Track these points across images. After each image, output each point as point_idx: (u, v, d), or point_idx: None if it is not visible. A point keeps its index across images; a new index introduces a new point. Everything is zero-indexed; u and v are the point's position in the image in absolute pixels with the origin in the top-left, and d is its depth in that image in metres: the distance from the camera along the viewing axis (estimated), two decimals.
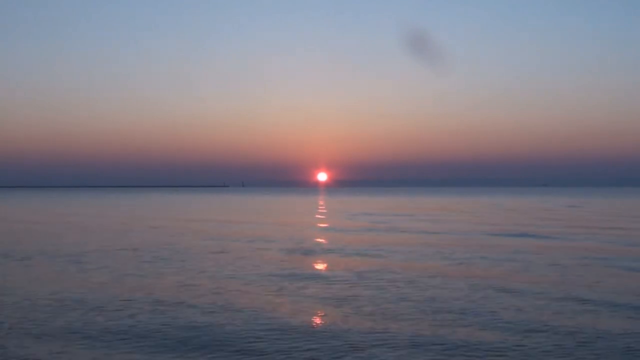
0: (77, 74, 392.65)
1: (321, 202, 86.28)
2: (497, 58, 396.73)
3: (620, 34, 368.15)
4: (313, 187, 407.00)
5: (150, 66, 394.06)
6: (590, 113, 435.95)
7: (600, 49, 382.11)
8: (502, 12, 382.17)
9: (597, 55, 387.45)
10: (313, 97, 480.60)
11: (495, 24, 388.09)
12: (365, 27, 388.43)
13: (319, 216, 47.75)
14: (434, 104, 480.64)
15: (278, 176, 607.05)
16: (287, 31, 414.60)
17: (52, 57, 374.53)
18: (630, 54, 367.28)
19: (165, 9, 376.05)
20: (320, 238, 27.62)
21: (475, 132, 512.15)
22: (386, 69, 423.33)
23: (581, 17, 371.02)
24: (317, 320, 10.73)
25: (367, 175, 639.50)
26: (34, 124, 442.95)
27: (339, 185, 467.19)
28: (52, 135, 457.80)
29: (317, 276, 15.82)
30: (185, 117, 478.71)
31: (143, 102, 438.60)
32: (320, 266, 17.90)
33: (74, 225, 36.67)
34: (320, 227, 35.47)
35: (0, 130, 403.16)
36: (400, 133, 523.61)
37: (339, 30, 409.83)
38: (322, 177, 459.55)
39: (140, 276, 15.73)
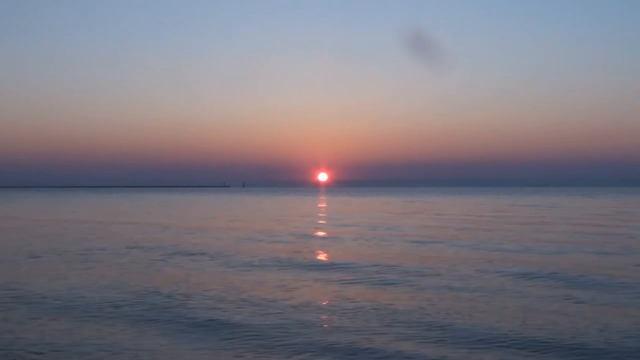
0: (77, 73, 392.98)
1: (303, 204, 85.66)
2: (497, 58, 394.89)
3: (622, 34, 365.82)
4: (313, 187, 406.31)
5: (151, 66, 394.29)
6: (592, 112, 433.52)
7: (601, 49, 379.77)
8: (503, 12, 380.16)
9: (598, 55, 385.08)
10: (313, 97, 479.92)
11: (495, 24, 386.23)
12: (365, 27, 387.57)
13: (283, 218, 46.84)
14: (434, 104, 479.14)
15: (278, 176, 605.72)
16: (287, 31, 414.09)
17: (52, 57, 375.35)
18: (632, 54, 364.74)
19: (165, 9, 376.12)
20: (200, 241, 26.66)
21: (475, 132, 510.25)
22: (386, 69, 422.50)
23: (582, 17, 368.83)
24: None
25: (367, 176, 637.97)
26: (34, 124, 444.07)
27: (339, 185, 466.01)
28: (52, 135, 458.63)
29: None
30: (186, 118, 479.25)
31: (143, 103, 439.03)
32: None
33: None
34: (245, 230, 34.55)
35: (0, 130, 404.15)
36: (400, 133, 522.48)
37: (339, 30, 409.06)
38: (322, 177, 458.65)
39: None
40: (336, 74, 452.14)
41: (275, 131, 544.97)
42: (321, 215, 48.53)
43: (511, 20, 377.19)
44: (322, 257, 19.80)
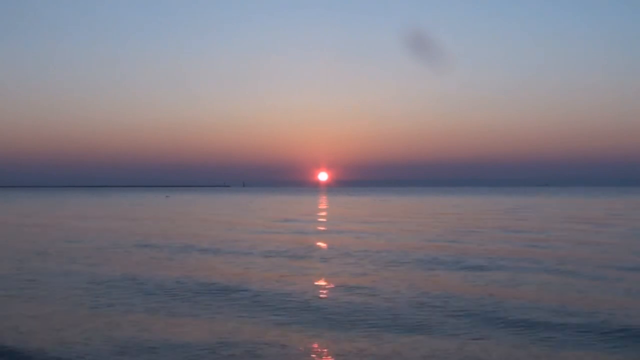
0: (77, 73, 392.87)
1: (288, 204, 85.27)
2: (497, 58, 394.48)
3: (622, 34, 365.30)
4: (314, 187, 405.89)
5: (151, 66, 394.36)
6: (592, 112, 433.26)
7: (601, 49, 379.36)
8: (503, 12, 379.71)
9: (598, 55, 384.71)
10: (313, 97, 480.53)
11: (495, 24, 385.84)
12: (365, 27, 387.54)
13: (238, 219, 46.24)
14: (434, 104, 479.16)
15: (279, 176, 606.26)
16: (287, 31, 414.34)
17: (52, 57, 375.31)
18: (633, 54, 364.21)
19: (165, 9, 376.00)
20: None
21: (475, 132, 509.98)
22: (386, 69, 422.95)
23: (582, 17, 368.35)
24: None
25: (367, 175, 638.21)
26: (34, 124, 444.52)
27: (339, 185, 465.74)
28: (52, 135, 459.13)
29: None
30: (186, 118, 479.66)
31: (143, 103, 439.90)
32: None
33: None
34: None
35: (0, 130, 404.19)
36: (400, 133, 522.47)
37: (339, 30, 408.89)
38: (322, 177, 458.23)
39: None
40: (336, 74, 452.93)
41: (275, 131, 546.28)
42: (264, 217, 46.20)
43: (511, 20, 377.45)
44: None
